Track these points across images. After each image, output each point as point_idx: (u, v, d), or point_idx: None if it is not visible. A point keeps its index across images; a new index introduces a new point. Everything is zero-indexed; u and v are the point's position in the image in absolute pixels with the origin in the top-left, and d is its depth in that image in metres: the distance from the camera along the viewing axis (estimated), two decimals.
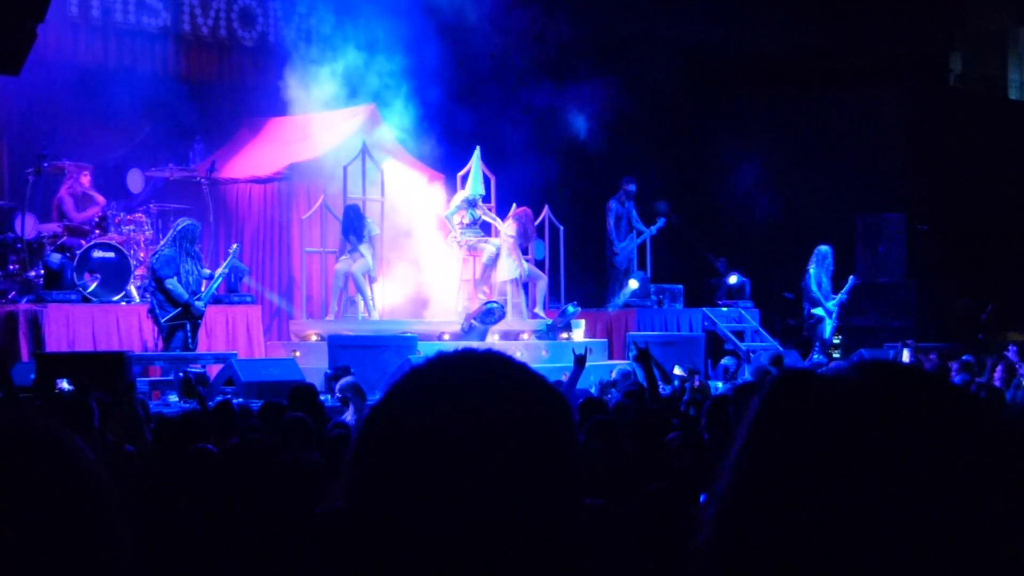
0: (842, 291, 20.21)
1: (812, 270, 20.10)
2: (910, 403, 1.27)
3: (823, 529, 1.22)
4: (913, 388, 1.29)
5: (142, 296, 15.88)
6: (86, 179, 16.86)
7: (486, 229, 19.38)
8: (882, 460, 1.23)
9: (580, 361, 10.06)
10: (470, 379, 1.42)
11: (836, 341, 21.35)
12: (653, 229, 20.66)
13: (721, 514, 1.30)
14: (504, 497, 1.35)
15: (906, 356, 18.07)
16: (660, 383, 12.16)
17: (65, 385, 10.67)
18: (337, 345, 15.70)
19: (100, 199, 16.98)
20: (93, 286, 15.48)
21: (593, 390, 13.16)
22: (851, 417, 1.27)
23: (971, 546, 1.20)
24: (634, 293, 20.00)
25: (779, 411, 1.32)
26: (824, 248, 20.23)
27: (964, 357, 15.83)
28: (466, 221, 18.93)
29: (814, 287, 20.04)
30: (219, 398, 11.71)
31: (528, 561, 1.35)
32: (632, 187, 20.57)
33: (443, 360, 1.46)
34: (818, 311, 20.06)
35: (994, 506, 1.21)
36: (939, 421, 1.26)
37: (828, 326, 20.08)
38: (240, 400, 11.88)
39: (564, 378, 10.28)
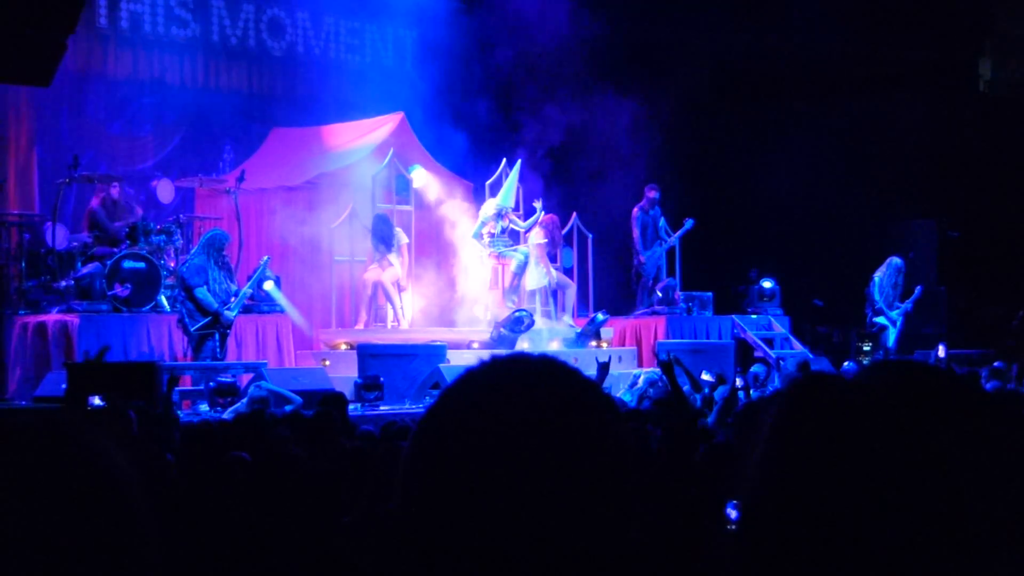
0: (908, 300, 20.13)
1: (877, 278, 20.04)
2: (925, 402, 1.28)
3: (845, 530, 1.23)
4: (929, 387, 1.29)
5: (172, 306, 15.92)
6: (115, 190, 16.94)
7: (515, 238, 19.37)
8: (898, 459, 1.24)
9: (604, 368, 10.03)
10: (526, 382, 1.42)
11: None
12: (680, 233, 20.53)
13: (747, 518, 1.31)
14: (562, 502, 1.35)
15: (941, 352, 18.00)
16: (691, 391, 12.15)
17: (97, 401, 10.69)
18: (367, 354, 15.70)
19: (138, 209, 17.09)
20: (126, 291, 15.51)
21: (627, 397, 13.12)
22: (866, 417, 1.27)
23: (987, 547, 1.20)
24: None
25: (799, 414, 1.32)
26: (897, 260, 20.16)
27: (995, 364, 15.78)
28: (496, 232, 18.91)
29: (877, 295, 19.95)
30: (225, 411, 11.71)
31: (584, 570, 1.35)
32: (656, 194, 20.40)
33: (498, 363, 1.46)
34: (881, 319, 19.97)
35: (1010, 500, 1.21)
36: (955, 419, 1.26)
37: (892, 335, 20.01)
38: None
39: None
